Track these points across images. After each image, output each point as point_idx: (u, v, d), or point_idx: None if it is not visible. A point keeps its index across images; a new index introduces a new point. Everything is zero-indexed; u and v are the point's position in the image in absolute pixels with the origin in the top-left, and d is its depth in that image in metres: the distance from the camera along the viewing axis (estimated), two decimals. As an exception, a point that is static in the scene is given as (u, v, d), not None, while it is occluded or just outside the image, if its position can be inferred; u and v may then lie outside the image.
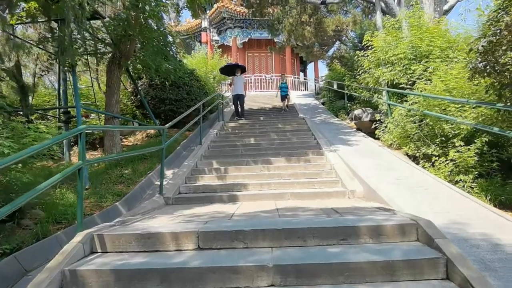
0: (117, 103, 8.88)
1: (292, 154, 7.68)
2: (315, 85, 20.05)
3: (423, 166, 6.06)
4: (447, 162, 5.61)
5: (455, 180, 5.21)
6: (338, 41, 17.84)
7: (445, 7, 9.62)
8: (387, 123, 7.64)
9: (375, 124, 8.23)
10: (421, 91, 6.53)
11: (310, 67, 34.18)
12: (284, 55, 25.95)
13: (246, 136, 9.65)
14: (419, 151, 6.57)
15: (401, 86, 7.61)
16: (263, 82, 24.46)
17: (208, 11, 24.52)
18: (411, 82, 7.42)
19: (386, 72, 8.02)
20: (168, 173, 7.24)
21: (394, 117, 7.21)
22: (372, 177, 5.50)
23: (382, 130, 7.77)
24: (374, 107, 10.96)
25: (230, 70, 13.28)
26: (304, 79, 28.26)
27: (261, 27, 25.34)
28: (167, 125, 6.26)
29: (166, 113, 12.15)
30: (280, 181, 6.14)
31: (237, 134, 10.04)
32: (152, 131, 11.60)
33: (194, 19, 28.71)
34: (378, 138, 8.39)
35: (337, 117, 12.43)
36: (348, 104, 12.11)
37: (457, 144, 5.53)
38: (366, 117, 9.55)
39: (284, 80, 15.08)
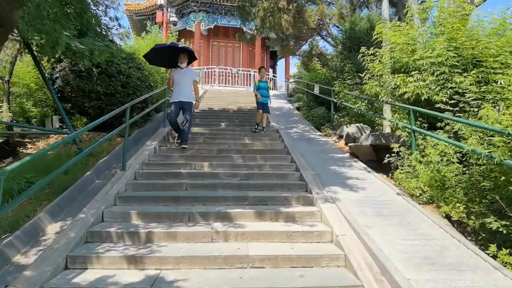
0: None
1: (265, 201, 4.84)
2: (287, 85, 17.35)
3: (503, 262, 3.42)
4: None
5: None
6: (317, 37, 15.21)
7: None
8: (412, 160, 5.02)
9: (387, 157, 5.56)
10: (487, 121, 3.93)
11: (280, 64, 31.62)
12: (253, 48, 23.06)
13: (198, 157, 6.66)
14: (473, 218, 4.00)
15: (436, 106, 5.01)
16: (228, 76, 21.42)
17: (169, -11, 21.02)
18: (454, 101, 4.84)
19: (410, 82, 5.40)
20: (51, 231, 4.12)
21: (430, 154, 4.58)
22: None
23: (404, 170, 5.12)
24: (369, 122, 8.45)
25: (168, 58, 7.31)
26: (274, 76, 25.61)
27: (230, 14, 22.28)
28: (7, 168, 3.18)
29: (95, 110, 8.94)
30: (247, 278, 3.26)
31: (185, 151, 7.02)
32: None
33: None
34: (387, 174, 5.82)
35: (319, 130, 9.78)
36: (335, 116, 9.43)
37: None
38: (366, 140, 6.91)
39: (264, 78, 9.28)
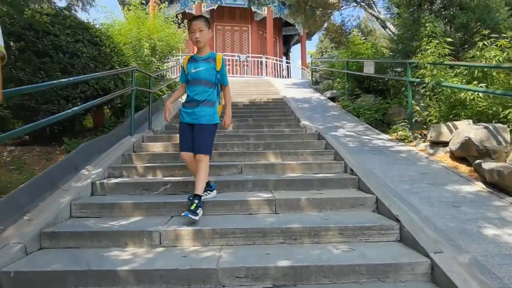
0: None
1: None
2: (312, 72, 13.66)
3: None
4: None
5: None
6: (353, 2, 11.37)
7: None
8: None
9: None
10: None
11: (294, 51, 27.84)
12: (264, 31, 19.48)
13: (177, 204, 3.10)
14: None
15: None
16: (236, 66, 17.85)
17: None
18: None
19: None
20: None
21: None
22: None
23: None
24: (481, 118, 4.87)
25: None
26: (287, 62, 21.99)
27: (235, -10, 18.69)
28: None
29: (24, 111, 5.58)
30: None
31: (155, 192, 3.46)
32: None
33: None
34: None
35: (381, 130, 6.18)
36: (415, 107, 5.66)
37: None
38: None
39: (208, 51, 3.13)
